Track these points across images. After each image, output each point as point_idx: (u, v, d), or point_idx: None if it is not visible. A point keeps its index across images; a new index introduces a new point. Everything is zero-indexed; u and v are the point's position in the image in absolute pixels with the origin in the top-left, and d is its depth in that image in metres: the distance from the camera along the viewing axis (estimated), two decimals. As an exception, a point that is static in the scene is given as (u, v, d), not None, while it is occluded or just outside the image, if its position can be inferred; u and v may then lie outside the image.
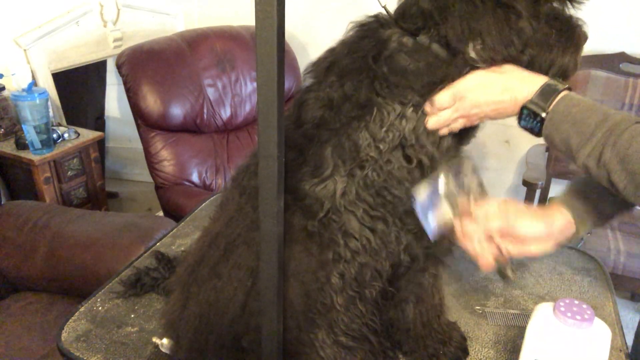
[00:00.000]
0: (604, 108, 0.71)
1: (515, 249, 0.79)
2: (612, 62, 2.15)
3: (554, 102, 0.72)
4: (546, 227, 0.78)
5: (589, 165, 0.70)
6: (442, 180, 0.78)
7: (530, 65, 0.77)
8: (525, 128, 0.76)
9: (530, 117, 0.74)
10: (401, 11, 0.80)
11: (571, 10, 0.79)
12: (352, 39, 0.81)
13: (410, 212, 0.78)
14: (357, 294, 0.81)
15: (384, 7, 0.81)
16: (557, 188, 2.25)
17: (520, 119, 0.76)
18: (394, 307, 0.89)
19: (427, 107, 0.77)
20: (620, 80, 2.10)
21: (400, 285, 0.86)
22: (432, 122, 0.77)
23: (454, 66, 0.76)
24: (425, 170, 0.77)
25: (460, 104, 0.76)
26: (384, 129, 0.75)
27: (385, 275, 0.82)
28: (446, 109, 0.76)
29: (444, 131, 0.78)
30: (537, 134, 0.75)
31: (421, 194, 0.77)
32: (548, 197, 2.25)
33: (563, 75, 0.79)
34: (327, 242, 0.77)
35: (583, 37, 0.80)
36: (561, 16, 0.78)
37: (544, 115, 0.73)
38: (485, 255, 0.79)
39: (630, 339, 1.05)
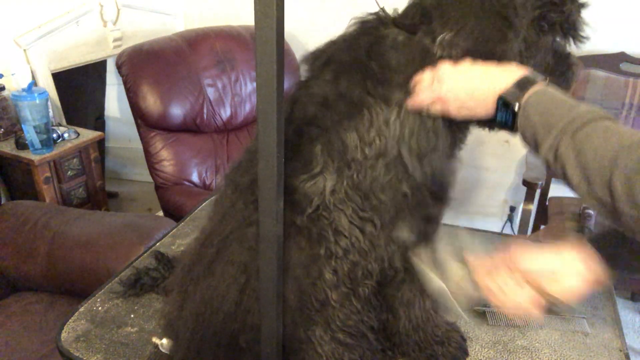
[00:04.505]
0: (575, 102, 0.68)
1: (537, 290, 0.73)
2: (612, 62, 2.15)
3: (527, 94, 0.70)
4: (556, 258, 0.72)
5: (549, 158, 0.67)
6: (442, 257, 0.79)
7: None
8: (501, 123, 0.74)
9: (504, 109, 0.72)
10: (404, 11, 0.81)
11: (572, 47, 0.80)
12: (353, 34, 0.81)
13: (394, 221, 0.78)
14: (351, 291, 0.81)
15: (382, 9, 0.82)
16: (557, 188, 2.25)
17: (496, 111, 0.74)
18: (385, 312, 0.89)
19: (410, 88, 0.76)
20: (620, 80, 2.10)
21: (388, 292, 0.86)
22: (410, 102, 0.77)
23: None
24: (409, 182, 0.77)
25: (437, 85, 0.75)
26: (372, 133, 0.75)
27: (375, 275, 0.82)
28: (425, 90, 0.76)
29: (423, 111, 0.77)
30: (511, 128, 0.73)
31: (432, 284, 0.78)
32: (548, 197, 2.25)
33: None
34: (317, 237, 0.77)
35: (575, 76, 0.81)
36: (560, 51, 0.79)
37: (516, 107, 0.70)
38: (521, 304, 0.73)
39: (630, 339, 1.05)
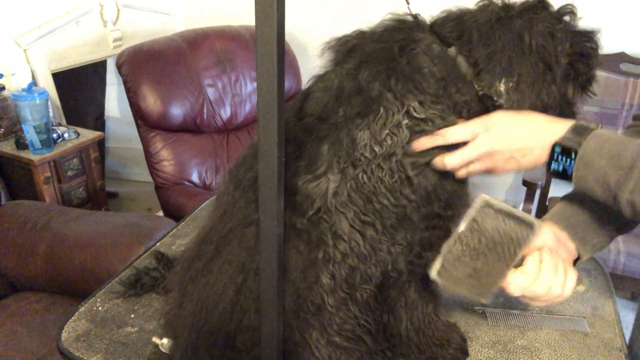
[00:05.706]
0: (637, 140, 0.68)
1: None
2: (612, 62, 2.15)
3: (586, 140, 0.68)
4: None
5: (635, 200, 0.65)
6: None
7: None
8: (556, 173, 0.71)
9: (562, 156, 0.70)
10: (441, 21, 0.80)
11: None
12: (386, 28, 0.79)
13: (397, 227, 0.77)
14: (349, 296, 0.80)
15: (415, 15, 0.81)
16: (556, 188, 2.25)
17: (550, 161, 0.71)
18: (386, 314, 0.88)
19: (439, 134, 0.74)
20: (620, 80, 2.10)
21: (390, 294, 0.86)
22: (449, 159, 0.73)
23: (471, 88, 0.76)
24: (413, 186, 0.76)
25: (485, 138, 0.72)
26: (386, 131, 0.74)
27: (375, 280, 0.81)
28: (464, 141, 0.73)
29: (461, 173, 0.76)
30: (569, 176, 0.71)
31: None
32: (548, 197, 2.25)
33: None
34: (316, 241, 0.76)
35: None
36: (569, 98, 0.81)
37: (580, 150, 0.68)
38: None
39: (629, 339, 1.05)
